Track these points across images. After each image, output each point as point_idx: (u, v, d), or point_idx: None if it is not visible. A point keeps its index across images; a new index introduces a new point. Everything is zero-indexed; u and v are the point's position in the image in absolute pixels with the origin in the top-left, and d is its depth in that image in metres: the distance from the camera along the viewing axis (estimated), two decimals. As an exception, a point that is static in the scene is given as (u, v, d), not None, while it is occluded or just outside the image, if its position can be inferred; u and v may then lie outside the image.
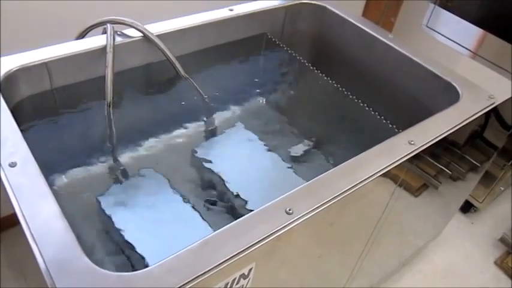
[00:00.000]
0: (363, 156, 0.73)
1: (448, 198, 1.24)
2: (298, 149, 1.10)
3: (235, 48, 1.07)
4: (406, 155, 0.74)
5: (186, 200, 0.89)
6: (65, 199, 0.84)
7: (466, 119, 0.83)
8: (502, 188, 1.53)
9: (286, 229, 0.60)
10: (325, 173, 0.68)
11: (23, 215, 0.56)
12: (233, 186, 0.92)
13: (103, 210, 0.84)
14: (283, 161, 1.01)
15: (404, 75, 1.00)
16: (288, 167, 1.00)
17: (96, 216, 0.86)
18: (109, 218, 0.82)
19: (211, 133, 1.05)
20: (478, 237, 1.57)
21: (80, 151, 0.93)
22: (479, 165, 1.15)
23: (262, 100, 1.18)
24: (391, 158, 0.73)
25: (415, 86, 1.00)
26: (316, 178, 0.67)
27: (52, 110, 0.87)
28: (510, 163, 1.45)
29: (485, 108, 0.87)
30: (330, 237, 0.79)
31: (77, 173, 0.92)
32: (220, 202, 0.96)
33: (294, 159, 1.09)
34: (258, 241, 0.58)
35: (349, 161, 0.71)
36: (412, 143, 0.76)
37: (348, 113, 1.07)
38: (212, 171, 0.96)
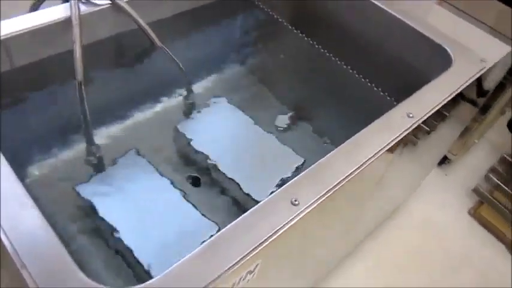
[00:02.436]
0: (363, 134, 0.69)
1: (428, 153, 1.25)
2: (283, 120, 1.06)
3: (212, 11, 0.98)
4: (406, 129, 0.71)
5: (174, 185, 0.84)
6: (43, 193, 0.77)
7: (461, 86, 0.81)
8: (476, 141, 1.56)
9: (293, 222, 0.57)
10: (327, 156, 0.65)
11: (3, 230, 0.49)
12: (220, 164, 0.87)
13: (87, 203, 0.77)
14: (270, 133, 0.96)
15: (393, 37, 0.95)
16: (275, 139, 0.95)
17: (78, 212, 0.80)
18: (95, 213, 0.76)
19: (192, 107, 0.98)
20: (452, 189, 1.62)
21: (53, 138, 0.84)
22: (460, 124, 1.14)
23: (242, 67, 1.11)
24: (391, 134, 0.70)
25: (403, 47, 0.95)
26: (317, 163, 0.64)
27: (15, 94, 0.78)
28: (484, 116, 1.47)
29: (477, 73, 0.85)
30: (333, 220, 0.77)
31: (52, 162, 0.84)
32: (205, 180, 0.92)
33: (280, 131, 1.05)
34: (266, 239, 0.54)
35: (350, 140, 0.68)
36: (411, 115, 0.73)
37: (333, 78, 1.02)
38: (196, 150, 0.90)
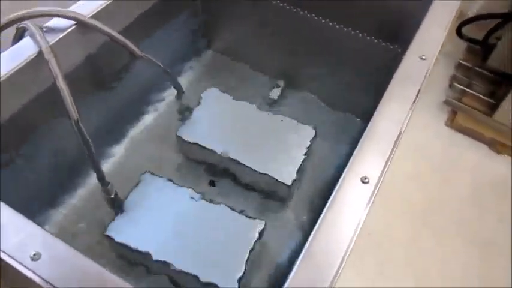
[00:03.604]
0: (391, 91, 0.68)
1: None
2: (274, 93, 1.02)
3: (164, 7, 0.89)
4: (426, 73, 0.71)
5: (199, 194, 0.80)
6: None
7: (453, 12, 0.81)
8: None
9: (370, 203, 0.55)
10: (370, 124, 0.63)
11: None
12: (238, 157, 0.83)
13: (124, 246, 0.72)
14: (270, 111, 0.92)
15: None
16: (278, 116, 0.92)
17: (116, 257, 0.74)
18: (139, 254, 0.71)
19: (186, 108, 0.92)
20: (425, 107, 1.68)
21: (61, 184, 0.77)
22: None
23: (217, 53, 1.05)
24: (416, 83, 0.69)
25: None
26: (365, 134, 0.62)
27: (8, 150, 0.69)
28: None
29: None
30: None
31: (69, 208, 0.77)
32: (226, 178, 0.88)
33: (275, 104, 1.01)
34: (355, 228, 0.53)
35: (384, 99, 0.66)
36: (424, 57, 0.73)
37: (314, 35, 0.98)
38: (204, 148, 0.85)
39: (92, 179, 0.85)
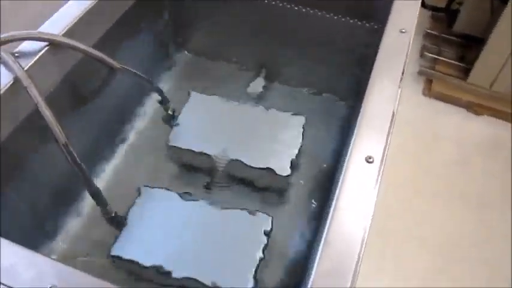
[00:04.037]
0: (379, 68, 0.68)
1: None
2: (256, 86, 1.01)
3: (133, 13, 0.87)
4: (408, 44, 0.72)
5: (198, 199, 0.78)
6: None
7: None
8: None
9: (378, 182, 0.55)
10: (364, 103, 0.63)
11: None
12: (233, 155, 0.83)
13: (134, 263, 0.70)
14: (256, 105, 0.92)
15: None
16: (264, 109, 0.91)
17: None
18: (150, 268, 0.70)
19: (172, 115, 0.90)
20: (400, 80, 1.70)
21: (55, 211, 0.74)
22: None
23: (190, 54, 1.04)
24: (401, 56, 0.70)
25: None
26: (361, 115, 0.61)
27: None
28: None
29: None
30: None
31: (67, 234, 0.74)
32: (223, 179, 0.87)
33: (258, 98, 1.01)
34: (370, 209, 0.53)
35: (373, 76, 0.66)
36: (404, 31, 0.73)
37: (286, 22, 0.98)
38: (198, 153, 0.84)
39: (86, 201, 0.83)
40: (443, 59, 1.68)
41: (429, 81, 1.66)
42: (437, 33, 1.75)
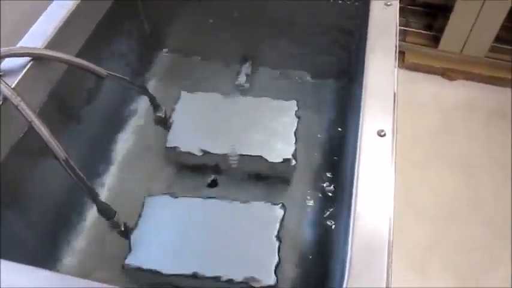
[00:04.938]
0: (372, 43, 0.68)
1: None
2: (242, 78, 1.00)
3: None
4: (396, 17, 0.72)
5: (206, 198, 0.77)
6: None
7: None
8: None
9: (394, 156, 0.56)
10: (365, 79, 0.63)
11: None
12: (234, 149, 0.82)
13: (153, 273, 0.68)
14: (245, 95, 0.91)
15: None
16: (255, 98, 0.90)
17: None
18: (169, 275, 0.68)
19: (164, 118, 0.88)
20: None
21: (59, 228, 0.72)
22: None
23: (175, 51, 1.01)
24: (391, 28, 0.70)
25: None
26: (364, 90, 0.62)
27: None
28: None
29: None
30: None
31: (76, 252, 0.72)
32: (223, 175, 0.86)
33: (246, 89, 1.00)
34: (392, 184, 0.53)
35: (368, 52, 0.66)
36: (389, 4, 0.74)
37: (264, 11, 0.97)
38: (195, 151, 0.82)
39: (89, 216, 0.81)
40: (412, 29, 1.70)
41: (402, 53, 1.69)
42: (402, 5, 1.77)
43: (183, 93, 0.89)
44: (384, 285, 0.45)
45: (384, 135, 0.57)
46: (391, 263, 0.47)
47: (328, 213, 0.81)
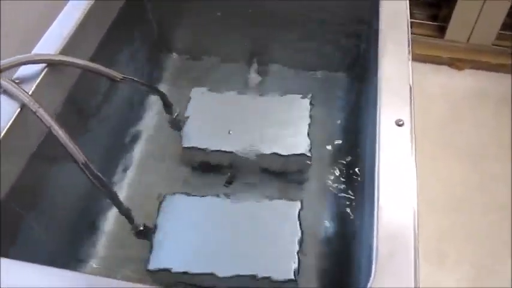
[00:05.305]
0: (385, 35, 0.68)
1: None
2: (253, 75, 1.00)
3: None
4: (407, 8, 0.72)
5: (223, 196, 0.78)
6: None
7: None
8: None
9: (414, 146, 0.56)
10: (379, 71, 0.63)
11: None
12: (250, 147, 0.82)
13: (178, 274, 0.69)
14: (261, 95, 0.91)
15: None
16: (267, 97, 0.90)
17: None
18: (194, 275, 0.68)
19: (178, 118, 0.89)
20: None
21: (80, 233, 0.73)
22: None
23: (182, 55, 1.02)
24: (403, 19, 0.70)
25: None
26: (379, 81, 0.62)
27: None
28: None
29: None
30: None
31: (96, 256, 0.73)
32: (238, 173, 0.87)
33: (258, 86, 1.00)
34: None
35: (380, 45, 0.66)
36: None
37: (266, 9, 0.97)
38: (211, 150, 0.83)
39: (110, 217, 0.81)
40: (417, 20, 1.70)
41: (408, 45, 1.68)
42: (407, -3, 1.77)
43: (194, 91, 0.90)
44: (412, 276, 0.45)
45: (402, 124, 0.57)
46: (418, 254, 0.47)
47: (346, 206, 0.81)
